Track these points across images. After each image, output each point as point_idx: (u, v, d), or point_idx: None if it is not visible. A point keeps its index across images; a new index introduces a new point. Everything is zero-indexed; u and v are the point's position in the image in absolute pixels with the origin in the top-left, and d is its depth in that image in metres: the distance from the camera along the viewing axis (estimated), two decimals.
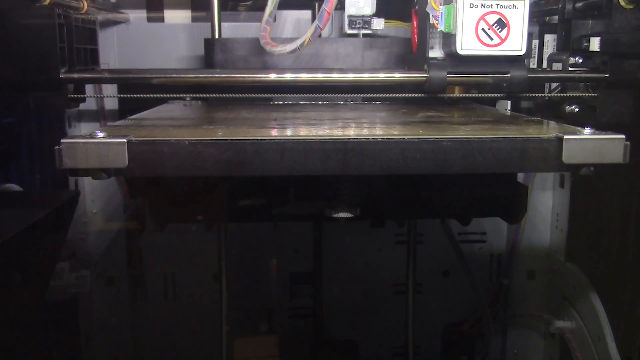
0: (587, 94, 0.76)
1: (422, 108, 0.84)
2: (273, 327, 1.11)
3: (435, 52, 0.75)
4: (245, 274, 1.10)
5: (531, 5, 0.69)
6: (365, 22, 0.91)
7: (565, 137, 0.55)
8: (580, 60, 0.77)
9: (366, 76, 0.76)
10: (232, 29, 1.01)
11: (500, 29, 0.68)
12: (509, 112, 0.83)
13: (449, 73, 0.72)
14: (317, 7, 0.96)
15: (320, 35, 1.00)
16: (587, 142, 0.55)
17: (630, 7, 0.69)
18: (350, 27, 0.91)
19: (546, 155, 0.56)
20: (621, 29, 0.70)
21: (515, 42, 0.69)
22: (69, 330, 1.02)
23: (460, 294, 1.14)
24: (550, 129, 0.62)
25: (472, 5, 0.68)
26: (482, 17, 0.68)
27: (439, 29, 0.71)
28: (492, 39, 0.69)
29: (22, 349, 0.71)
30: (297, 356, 1.13)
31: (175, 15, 1.04)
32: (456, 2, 0.68)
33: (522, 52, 0.69)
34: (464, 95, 0.82)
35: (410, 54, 0.87)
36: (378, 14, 0.91)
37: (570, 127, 0.62)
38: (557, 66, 0.80)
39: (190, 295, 1.13)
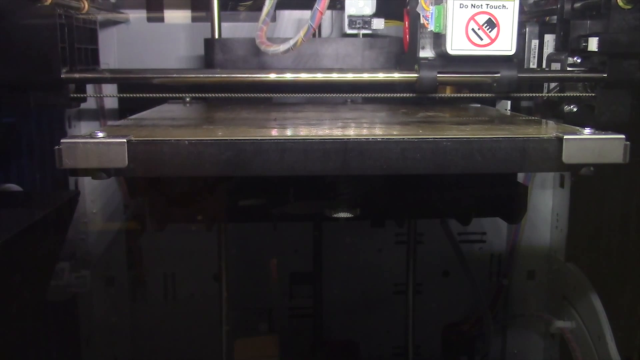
0: (585, 94, 0.76)
1: (421, 108, 0.84)
2: (273, 327, 1.11)
3: (427, 52, 0.76)
4: (245, 274, 1.10)
5: (521, 5, 0.69)
6: (365, 22, 0.91)
7: (565, 137, 0.55)
8: (579, 60, 0.77)
9: (364, 76, 0.76)
10: (232, 29, 1.01)
11: (490, 29, 0.69)
12: (508, 112, 0.83)
13: (439, 73, 0.72)
14: None
15: (319, 35, 1.01)
16: (587, 142, 0.55)
17: (629, 7, 0.69)
18: (350, 27, 0.91)
19: (546, 155, 0.55)
20: (619, 29, 0.70)
21: (505, 42, 0.69)
22: (68, 330, 1.02)
23: (460, 294, 1.14)
24: (550, 129, 0.62)
25: (462, 6, 0.68)
26: (472, 17, 0.68)
27: (429, 29, 0.72)
28: (482, 39, 0.69)
29: (22, 349, 0.71)
30: (297, 356, 1.13)
31: (175, 15, 1.04)
32: (446, 3, 0.68)
33: (512, 52, 0.69)
34: (455, 95, 0.82)
35: (403, 54, 0.87)
36: (378, 14, 0.91)
37: (570, 127, 0.62)
38: (555, 66, 0.80)
39: (190, 295, 1.13)
